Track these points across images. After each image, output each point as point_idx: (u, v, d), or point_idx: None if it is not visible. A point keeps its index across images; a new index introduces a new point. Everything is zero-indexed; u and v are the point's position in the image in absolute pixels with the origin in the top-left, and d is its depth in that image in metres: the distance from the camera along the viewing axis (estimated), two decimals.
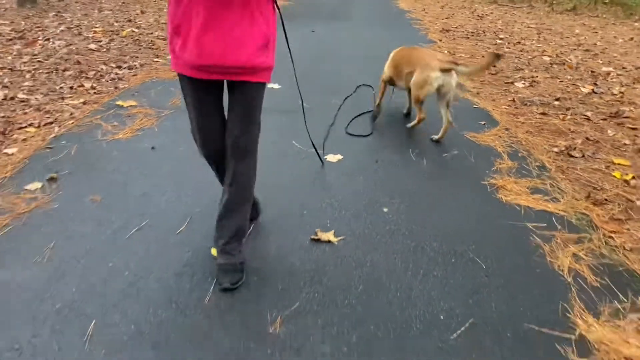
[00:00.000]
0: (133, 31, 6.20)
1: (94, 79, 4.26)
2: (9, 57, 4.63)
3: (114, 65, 4.69)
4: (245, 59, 1.64)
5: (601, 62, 5.86)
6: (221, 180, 2.03)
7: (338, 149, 3.07)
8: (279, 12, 1.80)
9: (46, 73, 4.27)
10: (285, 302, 1.79)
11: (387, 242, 2.18)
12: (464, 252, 2.13)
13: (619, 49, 6.70)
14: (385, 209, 2.45)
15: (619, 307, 1.84)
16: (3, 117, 3.30)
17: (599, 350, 1.63)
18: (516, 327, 1.72)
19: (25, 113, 3.41)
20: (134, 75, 4.45)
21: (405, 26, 8.13)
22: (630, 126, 3.70)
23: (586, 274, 2.01)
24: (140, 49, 5.41)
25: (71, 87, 3.99)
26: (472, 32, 7.56)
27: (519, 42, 6.91)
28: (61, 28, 5.98)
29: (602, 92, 4.56)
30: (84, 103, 3.68)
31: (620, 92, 4.53)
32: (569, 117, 3.87)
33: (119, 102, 3.69)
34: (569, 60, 5.82)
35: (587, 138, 3.44)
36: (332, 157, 2.98)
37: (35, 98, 3.70)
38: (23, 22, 6.14)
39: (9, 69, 4.30)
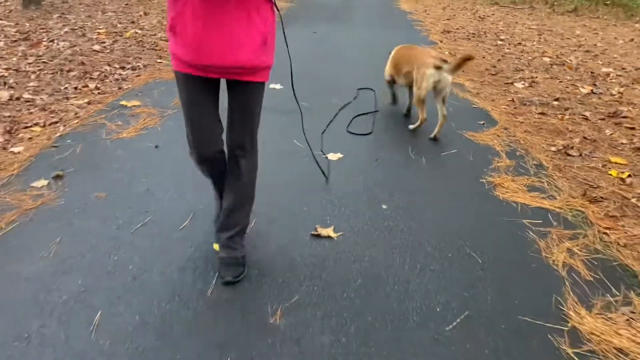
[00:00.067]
0: (136, 32, 6.26)
1: (98, 79, 4.32)
2: (14, 58, 4.69)
3: (117, 66, 4.75)
4: (245, 59, 1.64)
5: (601, 63, 5.89)
6: (215, 185, 2.08)
7: (338, 148, 3.12)
8: (279, 12, 1.82)
9: (51, 74, 4.34)
10: (285, 295, 1.84)
11: (386, 238, 2.23)
12: (460, 248, 2.18)
13: (619, 50, 6.73)
14: (384, 206, 2.49)
15: (612, 300, 1.88)
16: (9, 116, 3.36)
17: (591, 341, 1.67)
18: (510, 319, 1.76)
19: (31, 113, 3.47)
20: (137, 76, 4.52)
21: (407, 27, 8.19)
22: (628, 126, 3.74)
23: (580, 269, 2.06)
24: (143, 50, 5.47)
25: (76, 88, 4.05)
26: (473, 34, 7.61)
27: (519, 43, 6.95)
28: (65, 29, 6.05)
29: (601, 93, 4.59)
30: (89, 103, 3.74)
31: (619, 93, 4.56)
32: (567, 117, 3.91)
33: (123, 102, 3.75)
34: (569, 61, 5.85)
35: (584, 137, 3.48)
36: (332, 156, 3.03)
37: (41, 98, 3.76)
38: (28, 24, 6.21)
39: (15, 69, 4.36)
